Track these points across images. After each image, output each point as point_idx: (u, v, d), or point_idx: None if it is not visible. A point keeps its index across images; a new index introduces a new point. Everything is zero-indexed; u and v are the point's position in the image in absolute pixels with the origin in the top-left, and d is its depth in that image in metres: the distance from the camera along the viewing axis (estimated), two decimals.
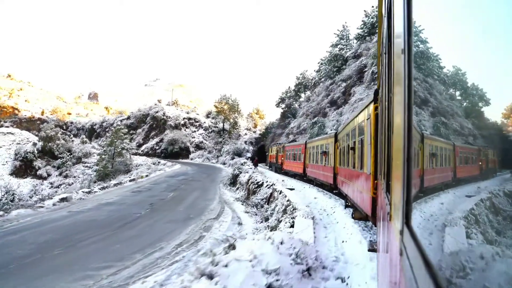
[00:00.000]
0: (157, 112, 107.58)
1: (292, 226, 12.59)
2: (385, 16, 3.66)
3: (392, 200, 2.51)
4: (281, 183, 26.29)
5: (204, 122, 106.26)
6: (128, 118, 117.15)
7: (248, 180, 29.62)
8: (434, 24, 1.61)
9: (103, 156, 62.40)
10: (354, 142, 13.14)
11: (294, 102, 79.05)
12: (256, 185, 26.38)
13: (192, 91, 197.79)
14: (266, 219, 18.19)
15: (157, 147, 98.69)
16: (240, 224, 17.76)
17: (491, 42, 0.98)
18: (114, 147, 62.29)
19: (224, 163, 70.69)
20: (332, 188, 20.77)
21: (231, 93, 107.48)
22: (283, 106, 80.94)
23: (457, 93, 1.99)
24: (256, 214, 20.33)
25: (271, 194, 21.69)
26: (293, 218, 13.64)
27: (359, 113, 12.50)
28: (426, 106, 1.96)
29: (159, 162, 67.36)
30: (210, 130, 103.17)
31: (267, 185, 24.59)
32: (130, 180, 38.31)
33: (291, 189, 21.93)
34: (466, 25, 1.18)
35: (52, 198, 23.46)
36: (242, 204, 23.60)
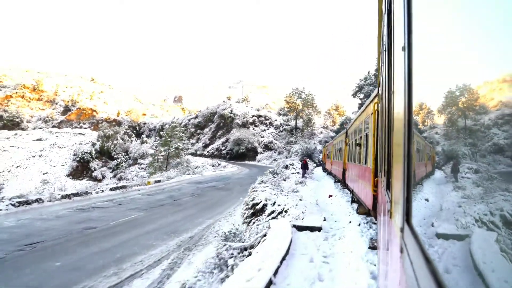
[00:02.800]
0: (224, 109, 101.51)
1: None
2: (385, 14, 3.60)
3: (392, 198, 2.51)
4: (309, 205, 15.71)
5: (275, 120, 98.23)
6: (196, 117, 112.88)
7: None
8: (435, 21, 1.61)
9: (156, 157, 58.78)
10: (360, 137, 13.27)
11: (374, 90, 64.38)
12: (252, 211, 15.30)
13: (275, 91, 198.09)
14: None
15: (222, 148, 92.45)
16: None
17: (491, 39, 0.99)
18: (169, 147, 58.79)
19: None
20: (342, 184, 21.41)
21: (305, 86, 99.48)
22: (361, 96, 67.24)
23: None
24: None
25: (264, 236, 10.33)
26: None
27: (365, 109, 12.45)
28: None
29: (219, 164, 63.80)
30: (281, 129, 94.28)
31: (272, 211, 13.81)
32: (113, 189, 29.54)
33: (312, 229, 11.05)
34: (467, 21, 1.19)
35: None
36: (220, 249, 11.17)
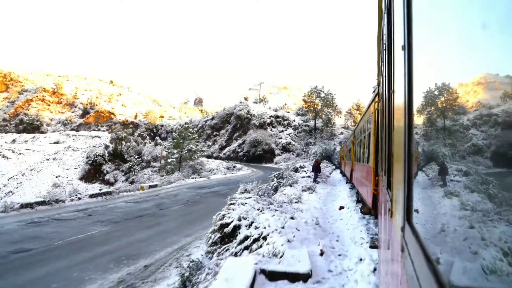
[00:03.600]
0: (241, 110, 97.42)
1: None
2: (385, 13, 3.62)
3: (393, 197, 2.51)
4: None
5: (294, 121, 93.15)
6: (213, 118, 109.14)
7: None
8: (434, 20, 1.62)
9: (169, 160, 56.92)
10: (364, 137, 13.16)
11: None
12: (220, 234, 10.92)
13: (297, 93, 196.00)
14: None
15: (239, 150, 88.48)
16: None
17: (490, 39, 1.00)
18: (181, 149, 56.36)
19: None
20: (351, 184, 20.94)
21: (324, 84, 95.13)
22: None
23: None
24: None
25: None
26: None
27: (368, 108, 12.39)
28: None
29: (234, 167, 61.67)
30: (300, 130, 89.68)
31: (246, 237, 9.73)
32: (94, 196, 25.71)
33: (294, 278, 7.06)
34: (466, 21, 1.20)
35: None
36: None
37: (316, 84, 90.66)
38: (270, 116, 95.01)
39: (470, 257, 1.06)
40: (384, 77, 4.36)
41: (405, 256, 1.60)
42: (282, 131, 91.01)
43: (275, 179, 24.97)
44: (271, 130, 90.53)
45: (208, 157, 77.51)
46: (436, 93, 1.58)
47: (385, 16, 3.55)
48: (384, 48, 3.94)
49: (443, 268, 1.13)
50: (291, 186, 22.01)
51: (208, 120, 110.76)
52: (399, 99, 2.12)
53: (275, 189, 22.07)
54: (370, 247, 7.60)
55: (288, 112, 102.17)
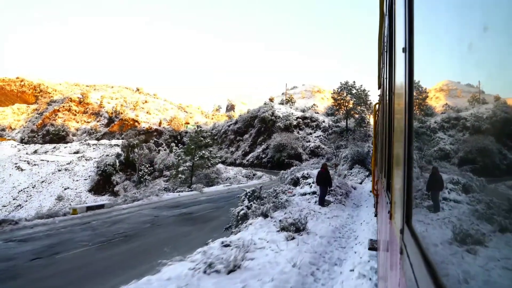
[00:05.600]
0: (265, 112, 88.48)
1: None
2: (386, 15, 3.62)
3: (392, 198, 2.51)
4: None
5: (323, 122, 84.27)
6: (236, 122, 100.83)
7: None
8: (435, 22, 1.62)
9: (180, 169, 50.89)
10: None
11: None
12: None
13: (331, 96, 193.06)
14: None
15: (263, 155, 79.28)
16: None
17: (492, 41, 1.02)
18: (193, 156, 50.70)
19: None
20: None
21: (355, 80, 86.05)
22: None
23: None
24: None
25: None
26: None
27: None
28: None
29: (254, 175, 57.44)
30: (330, 131, 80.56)
31: None
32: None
33: None
34: (468, 23, 1.21)
35: None
36: None
37: (347, 79, 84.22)
38: (297, 118, 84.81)
39: (470, 260, 1.06)
40: (384, 79, 4.37)
41: (404, 259, 1.59)
42: (310, 133, 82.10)
43: (245, 201, 15.36)
44: (297, 132, 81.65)
45: (231, 164, 76.43)
46: (437, 95, 1.59)
47: (386, 18, 3.56)
48: (385, 50, 3.95)
49: (442, 271, 1.11)
50: (266, 216, 12.84)
51: (231, 124, 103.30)
52: (399, 101, 2.12)
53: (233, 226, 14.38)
54: (369, 249, 7.59)
55: (317, 113, 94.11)
